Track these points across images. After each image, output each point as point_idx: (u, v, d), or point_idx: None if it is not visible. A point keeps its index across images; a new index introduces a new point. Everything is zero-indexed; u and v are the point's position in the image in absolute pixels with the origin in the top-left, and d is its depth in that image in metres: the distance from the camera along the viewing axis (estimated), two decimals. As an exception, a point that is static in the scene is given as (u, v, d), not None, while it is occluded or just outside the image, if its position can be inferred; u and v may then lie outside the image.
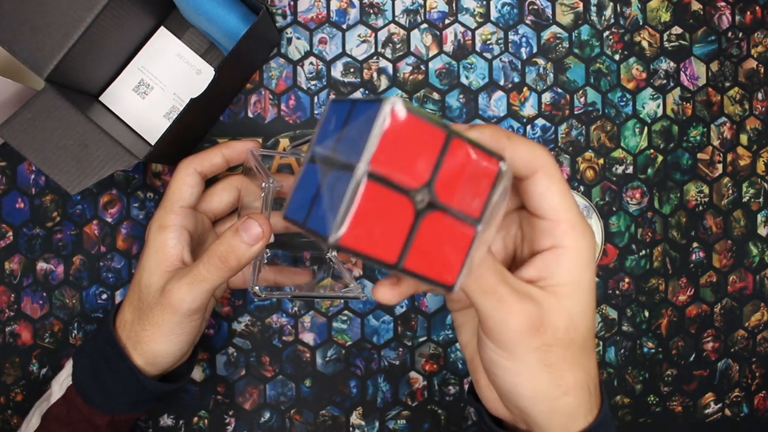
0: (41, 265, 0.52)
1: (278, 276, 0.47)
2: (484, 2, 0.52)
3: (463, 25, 0.52)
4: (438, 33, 0.52)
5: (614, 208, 0.53)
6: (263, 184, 0.39)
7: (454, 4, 0.52)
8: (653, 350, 0.53)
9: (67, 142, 0.43)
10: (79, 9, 0.42)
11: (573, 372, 0.30)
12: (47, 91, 0.43)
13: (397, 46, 0.52)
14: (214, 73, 0.44)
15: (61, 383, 0.43)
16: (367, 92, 0.52)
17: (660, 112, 0.53)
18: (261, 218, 0.37)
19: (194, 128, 0.49)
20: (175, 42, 0.51)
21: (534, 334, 0.29)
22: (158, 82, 0.51)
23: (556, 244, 0.30)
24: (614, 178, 0.53)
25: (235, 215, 0.47)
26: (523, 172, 0.29)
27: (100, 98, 0.51)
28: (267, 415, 0.52)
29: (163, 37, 0.51)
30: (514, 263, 0.34)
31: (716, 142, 0.53)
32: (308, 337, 0.52)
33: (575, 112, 0.53)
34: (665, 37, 0.53)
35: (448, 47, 0.52)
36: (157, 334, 0.40)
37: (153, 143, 0.45)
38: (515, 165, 0.29)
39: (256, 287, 0.41)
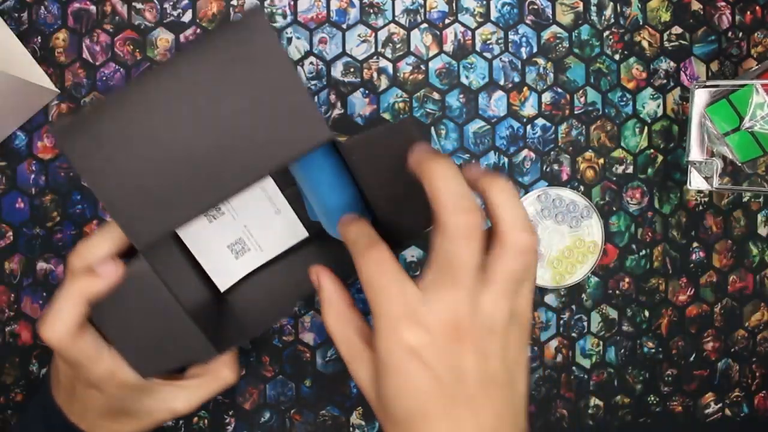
0: (41, 265, 0.52)
1: None
2: (484, 2, 0.52)
3: (463, 24, 0.52)
4: (438, 33, 0.52)
5: (614, 208, 0.53)
6: None
7: (454, 4, 0.52)
8: (653, 350, 0.53)
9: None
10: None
11: None
12: None
13: (397, 46, 0.52)
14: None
15: None
16: (367, 92, 0.52)
17: (660, 111, 0.53)
18: None
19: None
20: None
21: None
22: None
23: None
24: (614, 178, 0.53)
25: None
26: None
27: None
28: (267, 415, 0.52)
29: None
30: None
31: (716, 142, 0.53)
32: (308, 337, 0.52)
33: (575, 112, 0.53)
34: (665, 37, 0.53)
35: (448, 47, 0.52)
36: None
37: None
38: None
39: None
